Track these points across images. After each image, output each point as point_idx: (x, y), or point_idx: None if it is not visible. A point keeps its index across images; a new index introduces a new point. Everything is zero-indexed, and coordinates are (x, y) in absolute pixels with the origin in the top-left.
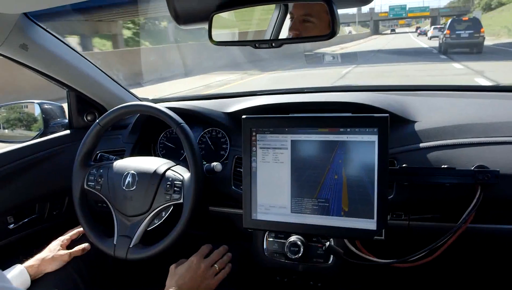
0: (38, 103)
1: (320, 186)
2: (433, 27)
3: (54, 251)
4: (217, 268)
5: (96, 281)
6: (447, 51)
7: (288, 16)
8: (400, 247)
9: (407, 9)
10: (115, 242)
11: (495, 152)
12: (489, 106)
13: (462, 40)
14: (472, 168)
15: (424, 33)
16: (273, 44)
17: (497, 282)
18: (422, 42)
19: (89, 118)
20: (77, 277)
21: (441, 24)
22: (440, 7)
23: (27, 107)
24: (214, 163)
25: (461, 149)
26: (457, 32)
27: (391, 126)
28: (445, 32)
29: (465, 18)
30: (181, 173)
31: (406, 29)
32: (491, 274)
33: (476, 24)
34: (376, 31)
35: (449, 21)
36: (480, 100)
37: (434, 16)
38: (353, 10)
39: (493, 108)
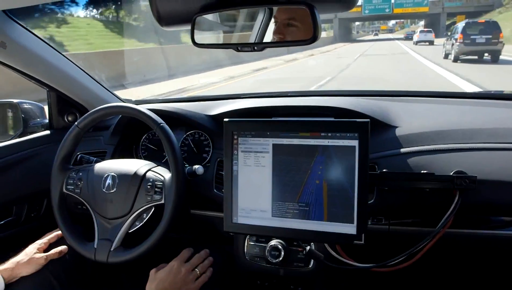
0: (17, 103)
1: (301, 190)
2: (419, 30)
3: (30, 255)
4: (198, 272)
5: (73, 285)
6: (458, 58)
7: (273, 20)
8: (380, 252)
9: (392, 1)
10: (95, 246)
11: (474, 158)
12: (469, 113)
13: (478, 46)
14: (451, 174)
15: (410, 38)
16: (255, 48)
17: (475, 286)
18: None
19: (70, 118)
20: (53, 280)
21: (448, 28)
22: (446, 1)
23: (5, 107)
24: (196, 166)
25: (440, 155)
26: (471, 36)
27: (373, 131)
28: (456, 37)
29: (481, 20)
30: (162, 173)
31: (390, 35)
32: (469, 278)
33: (493, 28)
34: (345, 37)
35: (460, 24)
36: (460, 107)
37: (435, 14)
38: None
39: (472, 114)
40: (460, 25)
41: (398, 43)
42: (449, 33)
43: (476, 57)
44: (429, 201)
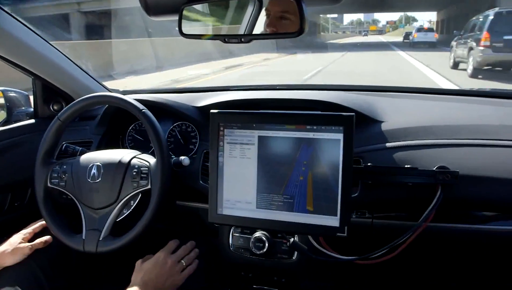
0: (1, 90)
1: (286, 182)
2: (416, 28)
3: (15, 244)
4: (184, 264)
5: (58, 275)
6: (480, 71)
7: (264, 12)
8: (363, 245)
9: None
10: (84, 237)
11: (456, 154)
12: (453, 109)
13: None
14: (434, 169)
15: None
16: (242, 40)
17: (456, 280)
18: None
19: (55, 107)
20: (38, 270)
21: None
22: None
23: None
24: (182, 157)
25: (424, 150)
26: (505, 37)
27: (358, 125)
28: (480, 37)
29: None
30: (147, 159)
31: (381, 38)
32: (450, 271)
33: None
34: (303, 40)
35: (487, 16)
36: (444, 103)
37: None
38: None
39: (456, 111)
40: (487, 17)
41: (398, 54)
42: (462, 32)
43: (500, 68)
44: (412, 196)
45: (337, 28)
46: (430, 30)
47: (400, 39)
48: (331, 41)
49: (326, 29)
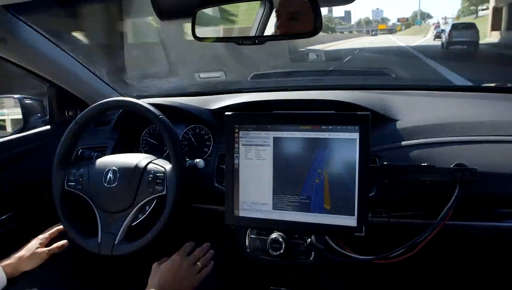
0: (18, 98)
1: (302, 183)
2: (451, 24)
3: (32, 249)
4: (199, 265)
5: (76, 279)
6: None
7: (274, 14)
8: (381, 244)
9: None
10: (99, 240)
11: (474, 151)
12: (469, 106)
13: None
14: (451, 166)
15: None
16: (257, 41)
17: (476, 278)
18: None
19: (70, 113)
20: (56, 275)
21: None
22: None
23: (6, 102)
24: (197, 160)
25: (441, 148)
26: None
27: (373, 124)
28: None
29: None
30: (163, 165)
31: (393, 38)
32: (469, 270)
33: None
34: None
35: None
36: (460, 100)
37: None
38: None
39: (472, 108)
40: None
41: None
42: None
43: None
44: (429, 194)
45: (344, 28)
46: (470, 26)
47: (419, 39)
48: (312, 47)
49: (330, 30)
